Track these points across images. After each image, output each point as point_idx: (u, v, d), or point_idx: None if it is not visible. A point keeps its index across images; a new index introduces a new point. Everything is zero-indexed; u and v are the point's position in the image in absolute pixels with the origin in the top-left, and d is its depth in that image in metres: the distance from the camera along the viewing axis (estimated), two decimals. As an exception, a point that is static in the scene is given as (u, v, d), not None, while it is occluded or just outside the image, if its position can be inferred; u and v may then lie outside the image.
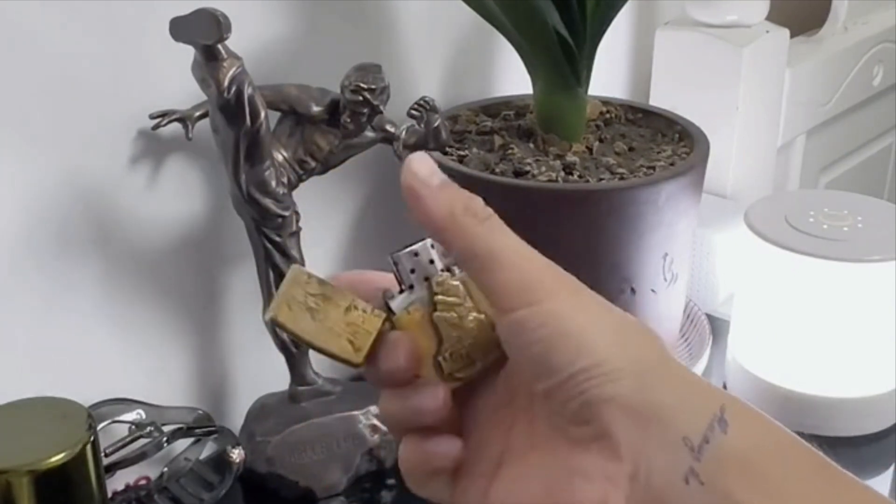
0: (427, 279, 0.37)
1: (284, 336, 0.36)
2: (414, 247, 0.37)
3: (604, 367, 0.33)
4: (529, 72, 0.76)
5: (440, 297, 0.37)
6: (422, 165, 0.35)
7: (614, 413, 0.33)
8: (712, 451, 0.32)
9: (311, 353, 0.69)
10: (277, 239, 0.65)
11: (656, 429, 0.32)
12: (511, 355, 0.36)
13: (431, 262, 0.37)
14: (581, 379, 0.33)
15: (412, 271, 0.37)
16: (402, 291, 0.37)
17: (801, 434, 0.33)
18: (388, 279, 0.38)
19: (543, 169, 0.72)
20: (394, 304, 0.37)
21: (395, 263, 0.37)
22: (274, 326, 0.35)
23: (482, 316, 0.37)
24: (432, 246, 0.37)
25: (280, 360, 0.69)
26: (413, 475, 0.37)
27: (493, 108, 0.83)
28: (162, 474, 0.68)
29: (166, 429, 0.66)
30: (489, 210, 0.35)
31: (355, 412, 0.70)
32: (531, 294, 0.34)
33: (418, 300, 0.37)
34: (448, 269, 0.37)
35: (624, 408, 0.33)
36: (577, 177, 0.71)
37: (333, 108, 0.65)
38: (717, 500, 0.31)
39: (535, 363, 0.34)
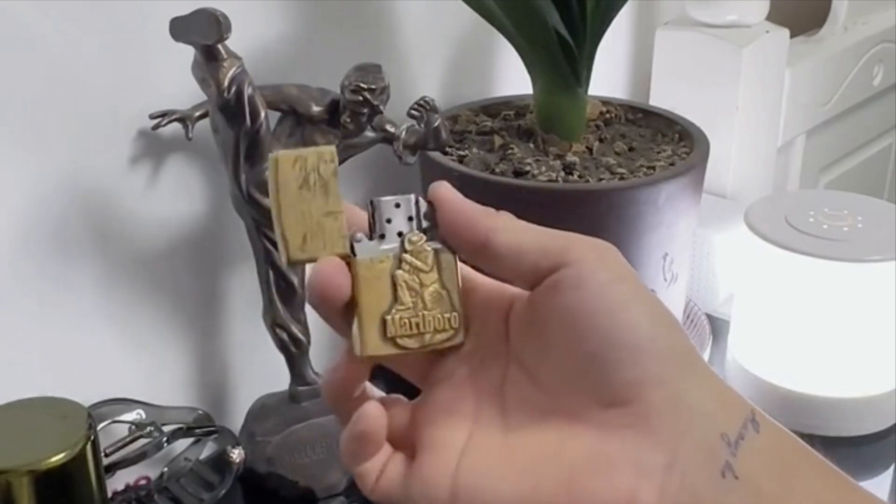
0: (400, 234, 0.35)
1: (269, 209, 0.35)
2: (398, 197, 0.35)
3: (658, 345, 0.33)
4: (529, 72, 0.76)
5: (408, 256, 0.35)
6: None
7: (661, 397, 0.33)
8: (746, 447, 0.32)
9: (311, 353, 0.69)
10: (277, 239, 0.65)
11: (696, 421, 0.33)
12: (552, 325, 0.35)
13: (410, 219, 0.35)
14: (635, 354, 0.33)
15: (388, 221, 0.35)
16: (371, 238, 0.35)
17: (801, 434, 0.34)
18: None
19: (543, 169, 0.71)
20: (359, 248, 0.35)
21: (374, 208, 0.35)
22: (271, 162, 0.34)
23: (444, 291, 0.36)
24: (417, 204, 0.36)
25: (280, 360, 0.69)
26: (355, 460, 0.36)
27: (493, 108, 0.83)
28: (162, 474, 0.68)
29: (166, 429, 0.66)
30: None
31: (355, 412, 0.70)
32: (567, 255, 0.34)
33: (385, 252, 0.35)
34: (425, 233, 0.36)
35: (670, 394, 0.33)
36: (577, 177, 0.71)
37: (333, 108, 0.65)
38: (751, 493, 0.31)
39: (582, 330, 0.33)
